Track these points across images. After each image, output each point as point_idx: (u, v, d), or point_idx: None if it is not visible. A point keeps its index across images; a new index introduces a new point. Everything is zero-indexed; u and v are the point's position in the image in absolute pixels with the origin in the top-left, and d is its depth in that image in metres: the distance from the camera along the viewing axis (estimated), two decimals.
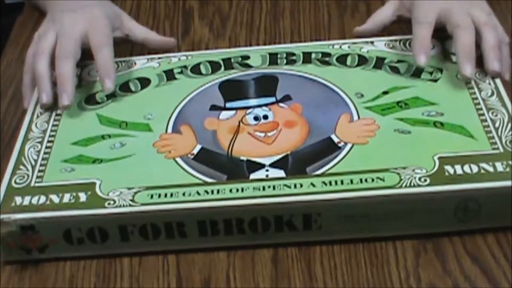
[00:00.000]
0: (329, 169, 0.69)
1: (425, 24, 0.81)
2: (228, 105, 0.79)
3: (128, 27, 0.92)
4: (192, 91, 0.82)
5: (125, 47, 0.92)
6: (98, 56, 0.83)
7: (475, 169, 0.68)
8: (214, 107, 0.79)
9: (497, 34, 0.80)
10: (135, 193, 0.69)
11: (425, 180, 0.67)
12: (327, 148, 0.72)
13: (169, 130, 0.77)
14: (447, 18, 0.81)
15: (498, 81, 0.78)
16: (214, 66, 0.85)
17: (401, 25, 0.90)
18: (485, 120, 0.73)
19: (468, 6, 0.82)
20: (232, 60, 0.86)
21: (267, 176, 0.70)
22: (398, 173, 0.68)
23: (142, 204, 0.68)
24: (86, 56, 0.84)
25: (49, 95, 0.81)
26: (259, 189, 0.68)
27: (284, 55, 0.86)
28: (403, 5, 0.89)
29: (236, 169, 0.71)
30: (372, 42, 0.86)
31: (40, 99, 0.81)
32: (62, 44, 0.83)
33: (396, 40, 0.86)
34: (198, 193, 0.68)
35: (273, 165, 0.71)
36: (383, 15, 0.91)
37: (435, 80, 0.80)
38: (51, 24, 0.86)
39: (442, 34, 0.83)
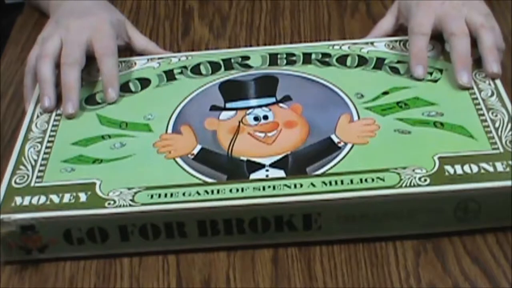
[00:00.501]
0: (329, 169, 0.69)
1: (421, 36, 0.81)
2: (228, 105, 0.79)
3: (130, 36, 0.92)
4: (192, 91, 0.82)
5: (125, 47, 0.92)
6: (103, 65, 0.83)
7: (475, 169, 0.68)
8: (214, 108, 0.79)
9: (495, 35, 0.80)
10: (135, 193, 0.69)
11: (425, 180, 0.67)
12: (327, 148, 0.72)
13: (169, 130, 0.77)
14: (442, 25, 0.81)
15: (498, 81, 0.78)
16: (214, 67, 0.85)
17: (400, 25, 0.90)
18: (485, 120, 0.73)
19: (465, 9, 0.81)
20: (232, 60, 0.86)
21: (267, 176, 0.70)
22: (398, 173, 0.68)
23: (142, 204, 0.68)
24: (88, 63, 0.84)
25: (51, 100, 0.81)
26: (259, 189, 0.68)
27: (284, 55, 0.86)
28: (402, 14, 0.88)
29: (236, 169, 0.71)
30: (372, 43, 0.86)
31: (42, 103, 0.81)
32: (67, 50, 0.83)
33: (396, 41, 0.86)
34: (198, 193, 0.68)
35: (273, 165, 0.71)
36: (385, 26, 0.90)
37: (435, 81, 0.80)
38: (55, 28, 0.85)
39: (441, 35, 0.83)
